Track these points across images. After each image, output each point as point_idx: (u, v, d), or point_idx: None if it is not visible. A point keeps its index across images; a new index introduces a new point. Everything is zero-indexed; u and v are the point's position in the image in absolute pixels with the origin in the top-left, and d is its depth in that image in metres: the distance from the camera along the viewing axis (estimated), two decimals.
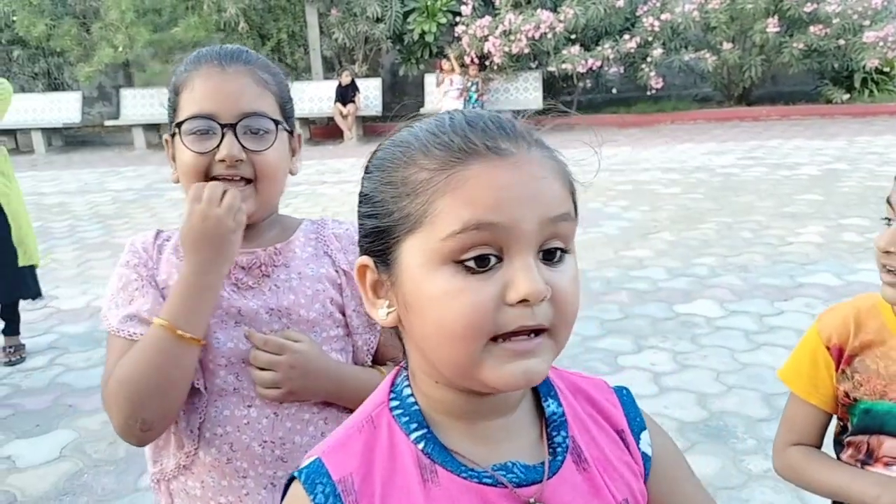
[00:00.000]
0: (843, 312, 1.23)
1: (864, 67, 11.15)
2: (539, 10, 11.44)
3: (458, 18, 12.04)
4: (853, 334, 1.20)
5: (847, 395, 1.22)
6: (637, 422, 0.81)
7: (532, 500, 0.70)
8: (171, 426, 1.13)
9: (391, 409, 0.74)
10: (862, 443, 1.22)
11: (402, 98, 14.36)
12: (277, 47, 13.53)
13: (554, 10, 11.53)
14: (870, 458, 1.20)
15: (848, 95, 11.64)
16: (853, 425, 1.23)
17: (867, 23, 10.89)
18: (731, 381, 3.33)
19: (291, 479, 0.73)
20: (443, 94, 11.80)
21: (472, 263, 0.64)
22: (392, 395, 0.75)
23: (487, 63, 11.94)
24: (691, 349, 3.70)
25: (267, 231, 1.19)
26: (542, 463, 0.72)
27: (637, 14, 11.75)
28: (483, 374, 0.65)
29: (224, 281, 1.10)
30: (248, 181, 1.11)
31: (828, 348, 1.22)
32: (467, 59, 11.91)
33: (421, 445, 0.71)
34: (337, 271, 1.17)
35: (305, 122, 12.92)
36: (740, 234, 5.61)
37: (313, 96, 12.78)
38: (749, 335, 3.82)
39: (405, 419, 0.72)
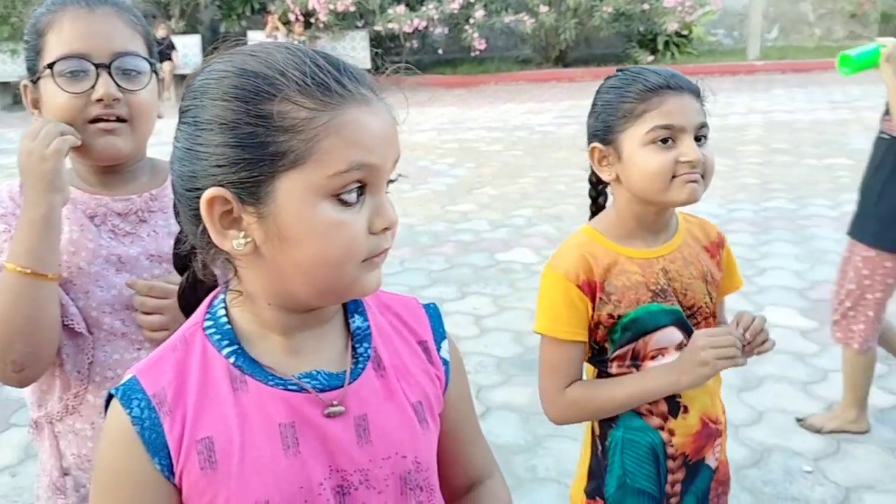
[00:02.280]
0: (573, 251, 1.34)
1: (665, 30, 12.09)
2: None
3: None
4: (594, 265, 1.32)
5: (611, 315, 1.32)
6: (440, 332, 0.92)
7: (334, 402, 0.79)
8: (54, 369, 1.13)
9: (205, 329, 0.80)
10: (627, 352, 1.34)
11: None
12: None
13: None
14: (636, 359, 1.34)
15: (652, 57, 12.58)
16: (616, 340, 1.34)
17: None
18: None
19: (111, 397, 0.78)
20: None
21: (347, 197, 0.71)
22: (207, 317, 0.82)
23: (313, 21, 11.75)
24: (509, 293, 3.99)
25: (140, 175, 1.19)
26: (345, 371, 0.81)
27: None
28: (352, 291, 0.76)
29: (101, 227, 1.11)
30: (123, 121, 1.11)
31: (578, 286, 1.31)
32: (291, 17, 11.66)
33: (232, 360, 0.78)
34: None
35: None
36: (555, 187, 6.02)
37: None
38: None
39: (217, 337, 0.79)
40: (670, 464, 1.38)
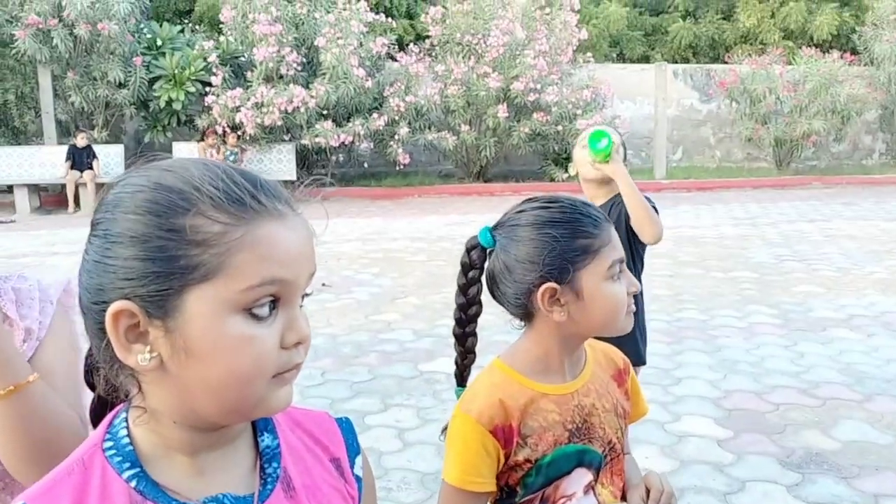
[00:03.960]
0: (486, 392, 1.25)
1: None
2: (291, 85, 11.71)
3: (207, 88, 11.91)
4: (510, 407, 1.23)
5: (528, 459, 1.24)
6: (354, 447, 0.91)
7: None
8: None
9: (104, 451, 0.76)
10: (535, 497, 1.26)
11: None
12: (3, 108, 12.42)
13: (306, 86, 11.86)
14: None
15: (567, 174, 13.19)
16: (529, 485, 1.26)
17: (579, 111, 12.52)
18: None
19: None
20: None
21: (258, 311, 0.71)
22: (107, 437, 0.78)
23: (240, 133, 11.91)
24: (433, 404, 3.96)
25: None
26: (253, 494, 0.79)
27: (384, 94, 12.45)
28: (260, 409, 0.74)
29: None
30: None
31: (492, 432, 1.22)
32: (219, 129, 11.80)
33: (133, 483, 0.74)
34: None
35: (35, 189, 11.88)
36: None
37: (45, 161, 11.86)
38: None
39: (118, 459, 0.75)
40: None
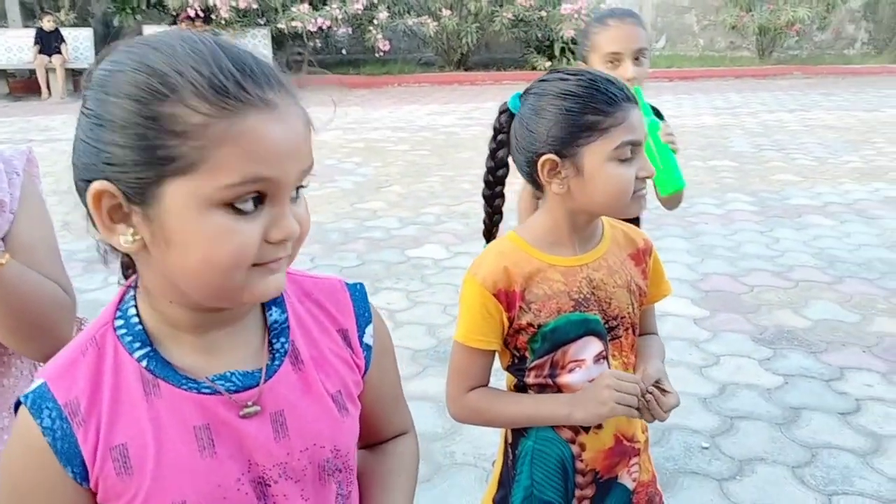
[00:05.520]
0: (494, 259, 1.30)
1: (562, 37, 12.50)
2: None
3: None
4: (514, 274, 1.27)
5: (531, 324, 1.28)
6: (365, 316, 0.91)
7: (249, 403, 0.79)
8: None
9: (116, 329, 0.78)
10: (545, 362, 1.31)
11: None
12: None
13: None
14: (554, 369, 1.31)
15: (550, 63, 12.98)
16: (536, 350, 1.30)
17: None
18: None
19: (19, 403, 0.76)
20: None
21: (242, 206, 0.68)
22: (118, 315, 0.79)
23: (214, 17, 11.49)
24: (421, 287, 4.08)
25: None
26: (261, 369, 0.81)
27: None
28: (244, 295, 0.72)
29: None
30: None
31: (495, 295, 1.27)
32: (191, 12, 11.36)
33: (144, 363, 0.76)
34: None
35: (3, 74, 11.49)
36: (461, 186, 6.17)
37: (11, 46, 11.41)
38: None
39: (129, 339, 0.77)
40: (579, 479, 1.36)
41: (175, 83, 0.66)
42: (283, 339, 0.83)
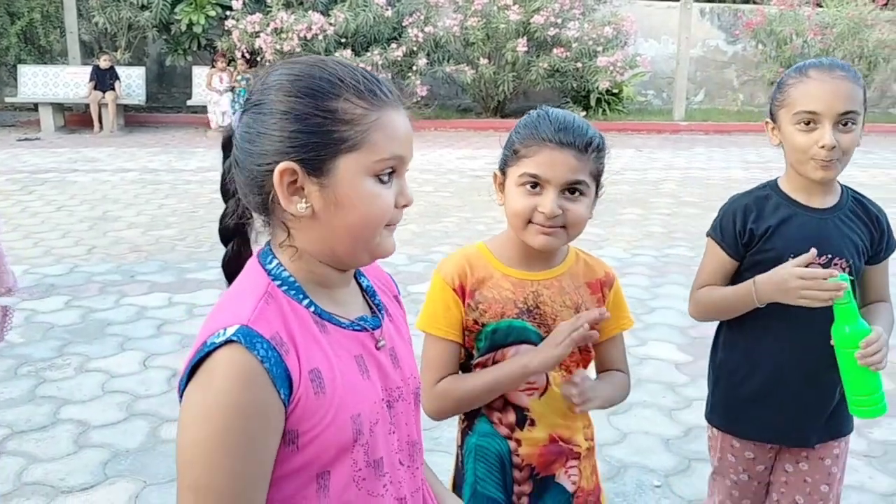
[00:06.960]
0: (458, 259, 1.48)
1: (597, 88, 12.68)
2: (311, 12, 11.71)
3: (228, 12, 11.96)
4: (469, 274, 1.45)
5: (476, 322, 1.44)
6: (396, 289, 1.23)
7: (381, 338, 1.05)
8: None
9: (278, 286, 0.98)
10: (487, 360, 1.45)
11: (170, 89, 13.93)
12: (29, 27, 12.59)
13: (325, 13, 11.86)
14: None
15: (585, 113, 13.14)
16: (480, 349, 1.45)
17: (600, 49, 12.40)
18: None
19: (206, 355, 0.88)
20: (211, 86, 11.66)
21: (384, 177, 0.96)
22: (271, 277, 0.98)
23: (259, 59, 11.99)
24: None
25: None
26: (375, 315, 1.08)
27: (404, 24, 12.40)
28: (378, 250, 1.00)
29: None
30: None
31: (454, 289, 1.44)
32: (238, 54, 11.87)
33: (311, 309, 0.98)
34: None
35: (60, 108, 12.13)
36: (476, 227, 6.31)
37: (69, 81, 12.06)
38: None
39: (292, 292, 0.98)
40: (516, 474, 1.46)
41: (340, 87, 0.94)
42: (376, 300, 1.11)
